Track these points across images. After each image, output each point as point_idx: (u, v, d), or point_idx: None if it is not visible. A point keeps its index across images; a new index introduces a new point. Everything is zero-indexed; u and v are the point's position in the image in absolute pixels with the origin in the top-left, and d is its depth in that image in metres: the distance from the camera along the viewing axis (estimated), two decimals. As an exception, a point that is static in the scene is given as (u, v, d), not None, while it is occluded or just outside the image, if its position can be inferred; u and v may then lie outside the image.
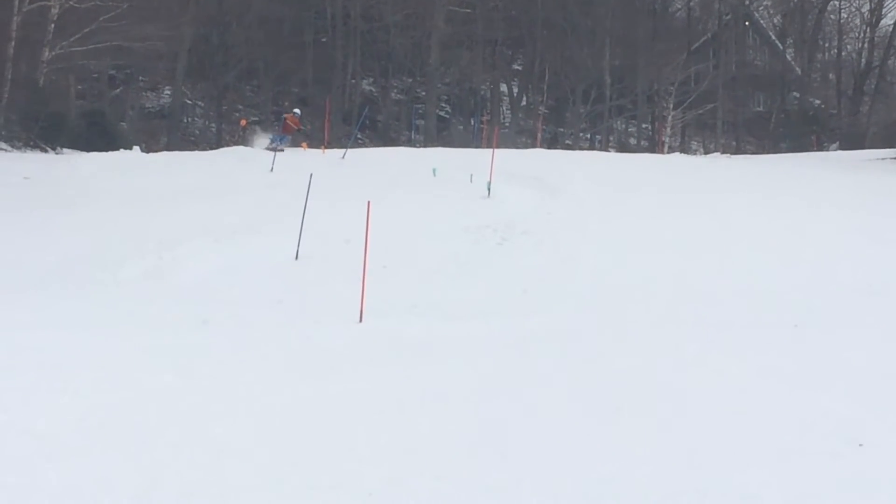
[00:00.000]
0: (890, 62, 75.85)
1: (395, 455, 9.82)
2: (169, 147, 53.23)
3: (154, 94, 67.53)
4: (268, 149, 39.80)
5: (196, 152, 44.32)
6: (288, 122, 42.73)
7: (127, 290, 20.38)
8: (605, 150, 63.70)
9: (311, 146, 43.16)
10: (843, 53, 79.54)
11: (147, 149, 45.54)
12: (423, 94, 70.15)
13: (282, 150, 39.34)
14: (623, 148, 68.21)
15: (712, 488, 8.74)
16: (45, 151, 42.70)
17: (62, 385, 12.32)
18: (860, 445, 9.92)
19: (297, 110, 43.91)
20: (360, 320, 17.51)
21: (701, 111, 66.52)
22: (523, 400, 12.03)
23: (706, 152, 67.27)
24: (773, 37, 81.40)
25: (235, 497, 8.57)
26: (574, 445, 10.11)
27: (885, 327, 16.39)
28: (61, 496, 8.54)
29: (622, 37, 72.07)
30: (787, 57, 79.64)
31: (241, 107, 67.72)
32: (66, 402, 11.60)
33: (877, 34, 76.19)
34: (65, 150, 43.31)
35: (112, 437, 10.32)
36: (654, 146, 67.15)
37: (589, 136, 72.96)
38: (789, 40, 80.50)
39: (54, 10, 45.87)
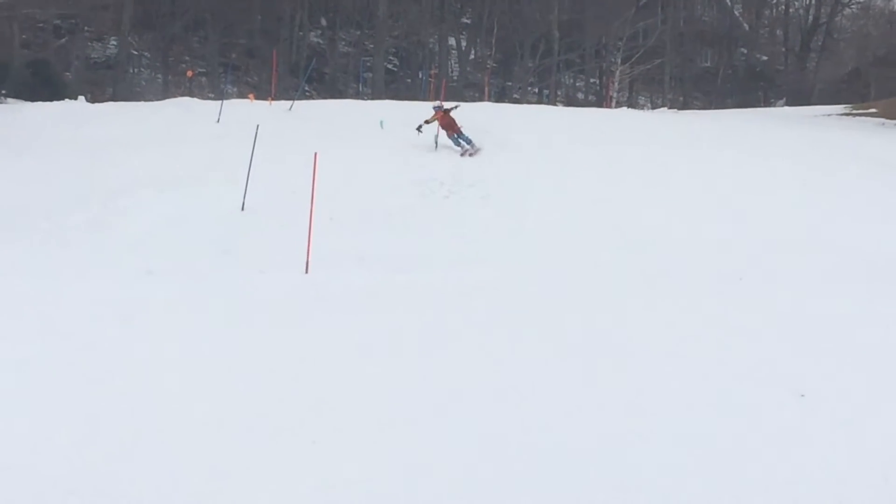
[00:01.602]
0: (837, 19, 76.24)
1: (339, 404, 9.86)
2: (115, 98, 52.70)
3: (100, 44, 66.80)
4: None
5: (142, 103, 43.86)
6: None
7: (72, 239, 20.24)
8: (553, 104, 63.64)
9: (258, 98, 42.88)
10: (791, 10, 79.90)
11: (92, 99, 45.05)
12: (372, 46, 69.85)
13: None
14: (571, 102, 68.22)
15: (653, 433, 8.84)
16: (-11, 100, 42.31)
17: (2, 332, 12.29)
18: (802, 396, 10.04)
19: None
20: (307, 271, 17.51)
21: (649, 66, 66.50)
22: (467, 348, 12.10)
23: (654, 107, 67.52)
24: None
25: (177, 445, 8.59)
26: (515, 392, 10.19)
27: (828, 279, 16.55)
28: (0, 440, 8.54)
29: (571, -9, 72.05)
30: (735, 13, 79.83)
31: (187, 58, 67.16)
32: (7, 350, 11.57)
33: (824, -9, 76.54)
34: (9, 99, 42.88)
35: (53, 385, 10.31)
36: (601, 101, 67.24)
37: (537, 90, 72.94)
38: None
39: (0, -43, 45.33)
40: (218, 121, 34.09)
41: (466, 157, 29.22)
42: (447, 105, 32.32)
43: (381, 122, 32.68)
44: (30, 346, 11.78)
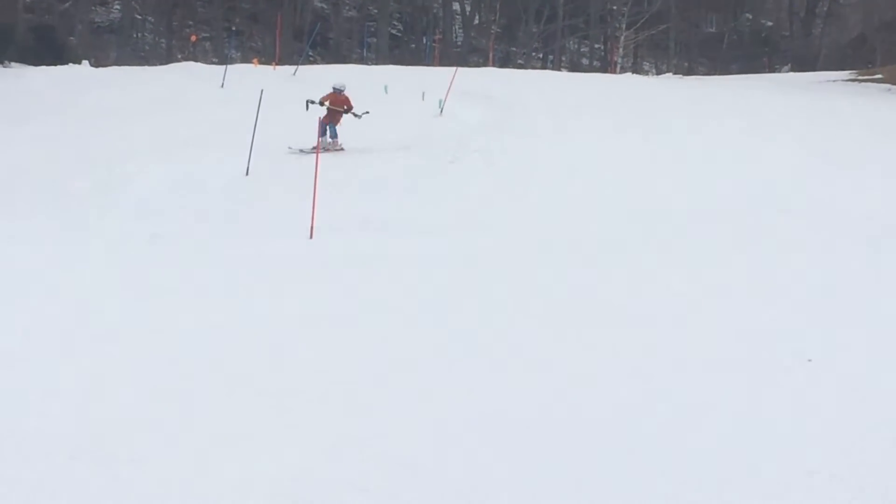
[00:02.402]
0: (843, -16, 75.97)
1: (344, 368, 9.88)
2: (118, 62, 52.62)
3: (104, 8, 66.70)
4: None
5: (146, 68, 43.90)
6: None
7: (76, 204, 20.25)
8: (558, 70, 63.50)
9: (262, 62, 42.85)
10: (797, -25, 79.57)
11: (96, 64, 45.07)
12: (376, 11, 69.67)
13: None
14: (575, 68, 68.12)
15: (660, 399, 8.85)
16: (-7, 65, 42.25)
17: (8, 296, 12.32)
18: (809, 360, 10.05)
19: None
20: (311, 236, 17.50)
21: (653, 32, 66.38)
22: (471, 315, 12.10)
23: (658, 73, 67.32)
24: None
25: (182, 408, 8.60)
26: (520, 360, 10.20)
27: (834, 245, 16.53)
28: (5, 401, 8.56)
29: (576, -45, 71.75)
30: (741, -22, 79.56)
31: (191, 22, 67.06)
32: (12, 313, 11.60)
33: (830, -45, 76.21)
34: (13, 63, 42.81)
35: (59, 350, 10.34)
36: (606, 67, 67.08)
37: (541, 55, 72.79)
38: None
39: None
40: (222, 86, 34.10)
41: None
42: (344, 95, 26.78)
43: (385, 88, 32.65)
44: (35, 312, 11.81)
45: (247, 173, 22.78)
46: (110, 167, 23.29)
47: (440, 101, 30.21)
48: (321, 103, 25.98)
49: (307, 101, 25.40)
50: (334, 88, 26.95)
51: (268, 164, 22.84)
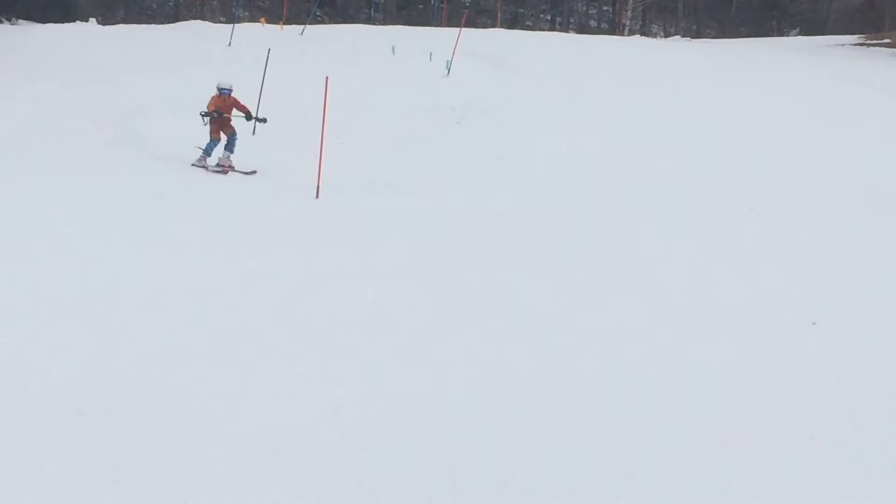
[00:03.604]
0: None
1: (348, 326, 9.91)
2: (126, 20, 52.44)
3: (111, -35, 66.44)
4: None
5: (153, 26, 43.72)
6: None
7: (83, 161, 20.25)
8: (565, 31, 63.29)
9: (269, 21, 42.74)
10: (807, -63, 79.08)
11: (104, 21, 44.90)
12: (384, -29, 69.41)
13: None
14: (583, 30, 67.80)
15: (664, 360, 8.88)
16: (1, 22, 42.10)
17: (14, 253, 12.35)
18: (814, 324, 10.08)
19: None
20: (317, 196, 17.52)
21: (662, -6, 66.10)
22: (475, 273, 12.12)
23: (666, 36, 67.05)
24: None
25: (187, 366, 8.64)
26: (523, 319, 10.23)
27: (840, 209, 16.55)
28: (10, 360, 8.61)
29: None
30: (751, -60, 79.13)
31: (199, -19, 66.79)
32: (19, 271, 11.63)
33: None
34: (20, 21, 42.68)
35: (65, 306, 10.38)
36: (614, 29, 66.82)
37: (549, 17, 72.48)
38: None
39: None
40: (229, 44, 34.00)
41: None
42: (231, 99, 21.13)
43: (393, 48, 32.58)
44: (42, 268, 11.83)
45: (253, 132, 22.76)
46: (117, 125, 23.29)
47: (447, 62, 30.16)
48: (208, 113, 20.71)
49: (203, 115, 20.77)
50: (219, 89, 21.07)
51: (274, 122, 22.80)
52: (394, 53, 32.23)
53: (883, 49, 44.04)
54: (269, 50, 24.39)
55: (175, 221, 15.40)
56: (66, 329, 9.57)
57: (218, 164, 20.58)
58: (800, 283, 11.81)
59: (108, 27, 40.65)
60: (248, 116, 21.16)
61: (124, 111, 24.36)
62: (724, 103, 27.10)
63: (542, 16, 70.91)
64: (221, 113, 20.82)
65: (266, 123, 21.84)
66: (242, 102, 21.19)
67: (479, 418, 7.52)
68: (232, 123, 20.99)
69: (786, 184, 19.11)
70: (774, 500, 6.28)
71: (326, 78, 18.98)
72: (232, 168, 20.59)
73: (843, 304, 10.96)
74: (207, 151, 20.73)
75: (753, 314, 10.49)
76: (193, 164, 20.58)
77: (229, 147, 20.76)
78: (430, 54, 31.27)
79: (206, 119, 20.84)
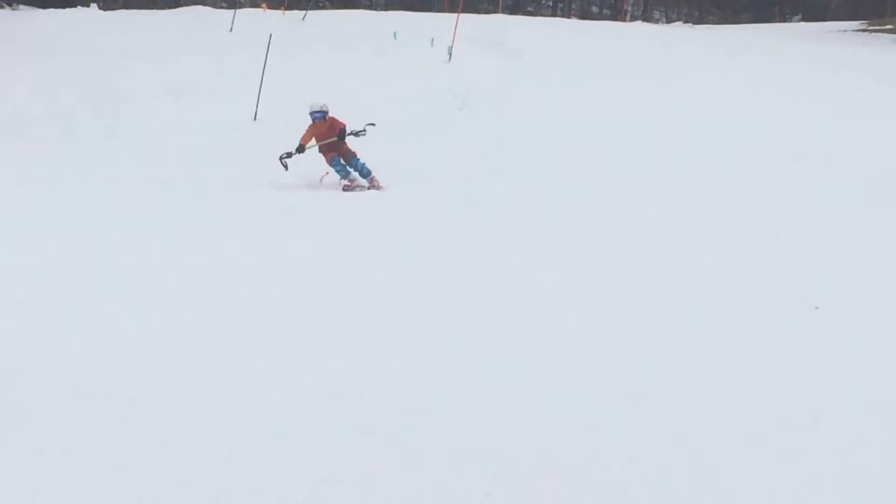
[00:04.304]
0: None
1: (352, 311, 9.90)
2: (127, 5, 52.43)
3: (112, -49, 66.37)
4: None
5: (154, 11, 43.75)
6: None
7: (84, 147, 20.28)
8: (567, 17, 63.27)
9: (271, 7, 42.71)
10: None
11: (104, 6, 44.90)
12: (385, -44, 69.35)
13: None
14: (585, 16, 67.85)
15: (666, 344, 8.87)
16: (2, 7, 42.11)
17: (14, 239, 12.36)
18: (817, 308, 10.06)
19: None
20: (320, 181, 17.53)
21: (664, -20, 66.04)
22: (477, 259, 12.09)
23: (668, 22, 67.03)
24: None
25: (191, 350, 8.61)
26: (527, 304, 10.22)
27: (838, 193, 16.52)
28: (11, 341, 8.61)
29: None
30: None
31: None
32: (19, 256, 11.64)
33: None
34: (21, 5, 42.71)
35: (66, 291, 10.37)
36: (616, 14, 66.83)
37: (551, 3, 72.47)
38: None
39: None
40: (231, 30, 34.02)
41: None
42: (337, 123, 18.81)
43: (395, 34, 32.56)
44: (42, 254, 11.84)
45: (255, 118, 22.79)
46: (118, 110, 23.32)
47: (449, 48, 30.14)
48: (301, 150, 18.43)
49: (283, 159, 18.36)
50: (312, 115, 18.73)
51: (276, 109, 22.81)
52: (396, 39, 32.22)
53: (884, 35, 44.04)
54: (271, 35, 24.38)
55: (177, 206, 15.40)
56: (67, 312, 9.56)
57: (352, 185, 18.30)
58: (802, 268, 11.77)
59: (108, 12, 40.64)
60: (354, 133, 18.79)
61: (125, 97, 24.43)
62: (724, 87, 27.09)
63: (543, 1, 70.89)
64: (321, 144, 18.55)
65: (374, 126, 19.41)
66: (341, 121, 18.76)
67: (482, 402, 7.51)
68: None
69: (787, 166, 19.06)
70: (779, 483, 6.27)
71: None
72: (378, 186, 18.27)
73: (847, 289, 10.92)
74: (363, 170, 18.46)
75: (755, 298, 10.46)
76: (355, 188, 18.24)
77: (363, 170, 18.46)
78: (432, 40, 31.25)
79: (291, 157, 18.32)
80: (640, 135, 22.22)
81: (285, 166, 18.18)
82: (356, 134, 18.76)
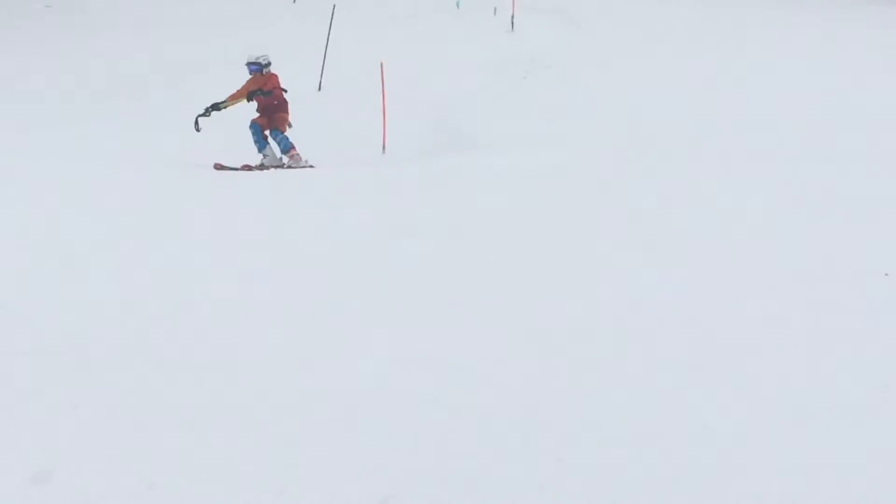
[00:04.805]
0: None
1: (412, 280, 9.92)
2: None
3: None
4: None
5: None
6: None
7: (151, 117, 20.43)
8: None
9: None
10: None
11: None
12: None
13: None
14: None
15: (728, 310, 8.83)
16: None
17: (85, 208, 12.47)
18: (886, 275, 9.96)
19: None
20: (383, 151, 17.55)
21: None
22: (550, 222, 12.08)
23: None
24: None
25: (258, 321, 8.68)
26: (596, 268, 10.21)
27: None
28: (83, 310, 8.70)
29: None
30: None
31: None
32: (89, 224, 11.73)
33: None
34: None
35: (131, 260, 10.47)
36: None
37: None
38: None
39: None
40: (294, 1, 34.03)
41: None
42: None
43: (458, 3, 32.48)
44: (107, 219, 11.91)
45: (319, 88, 22.82)
46: (182, 81, 23.44)
47: (511, 17, 30.02)
48: (217, 107, 17.09)
49: (199, 117, 17.03)
50: (248, 65, 17.23)
51: (340, 79, 22.86)
52: (458, 8, 32.13)
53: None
54: (335, 6, 24.41)
55: (241, 176, 15.48)
56: (134, 282, 9.63)
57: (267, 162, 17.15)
58: (872, 233, 11.64)
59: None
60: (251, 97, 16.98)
61: (189, 68, 24.52)
62: (790, 55, 26.74)
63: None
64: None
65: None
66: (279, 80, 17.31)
67: (550, 370, 7.51)
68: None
69: (844, 131, 18.72)
70: (849, 446, 6.25)
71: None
72: (301, 164, 17.08)
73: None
74: (285, 145, 17.16)
75: (823, 264, 10.37)
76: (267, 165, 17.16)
77: (283, 144, 17.12)
78: (495, 9, 31.15)
79: (206, 117, 16.95)
80: (706, 105, 21.93)
81: (197, 126, 16.83)
82: (215, 109, 16.99)
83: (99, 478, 5.62)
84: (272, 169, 16.78)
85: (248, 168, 16.68)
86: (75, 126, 19.54)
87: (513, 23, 29.84)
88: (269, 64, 17.07)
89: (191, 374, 7.27)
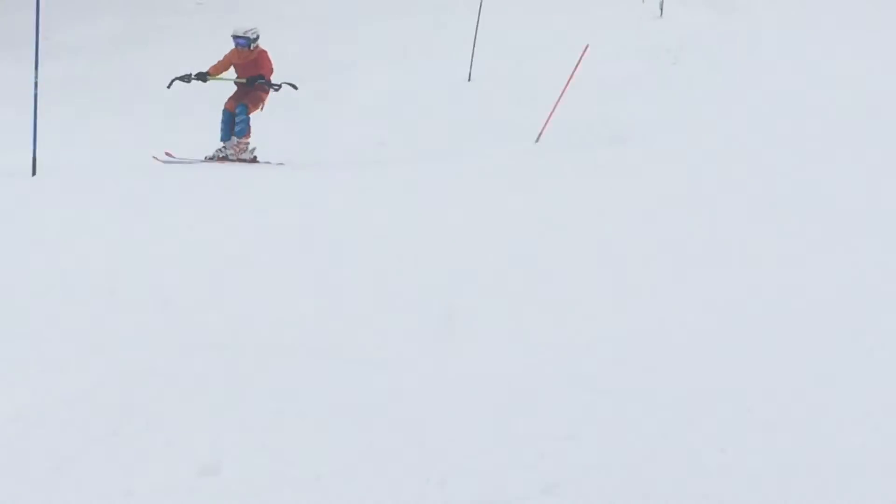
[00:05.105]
0: None
1: (577, 266, 9.93)
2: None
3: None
4: None
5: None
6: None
7: (302, 110, 20.66)
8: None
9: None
10: None
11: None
12: None
13: None
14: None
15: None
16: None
17: (244, 203, 12.68)
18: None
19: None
20: (537, 140, 17.53)
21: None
22: (706, 212, 12.02)
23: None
24: None
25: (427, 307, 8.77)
26: (754, 257, 10.14)
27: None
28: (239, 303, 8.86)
29: None
30: None
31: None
32: (250, 220, 11.93)
33: None
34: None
35: (297, 251, 10.63)
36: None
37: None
38: None
39: None
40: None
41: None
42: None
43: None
44: (268, 218, 12.09)
45: (469, 78, 22.88)
46: (333, 73, 23.66)
47: (660, 3, 29.72)
48: (203, 77, 16.01)
49: (175, 80, 16.02)
50: (234, 39, 15.92)
51: (490, 68, 22.86)
52: (606, -6, 31.86)
53: None
54: (483, -1, 24.40)
55: (395, 167, 15.60)
56: (293, 279, 9.77)
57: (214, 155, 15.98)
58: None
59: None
60: (274, 86, 16.05)
61: (340, 60, 24.75)
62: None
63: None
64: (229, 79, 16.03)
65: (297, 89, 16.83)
66: (270, 60, 16.23)
67: (720, 356, 7.50)
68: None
69: None
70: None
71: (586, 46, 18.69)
72: (242, 155, 16.00)
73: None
74: (241, 128, 16.09)
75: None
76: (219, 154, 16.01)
77: (241, 128, 15.97)
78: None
79: (190, 82, 15.98)
80: (868, 89, 21.36)
81: (171, 84, 15.82)
82: (275, 87, 16.02)
83: (265, 469, 5.72)
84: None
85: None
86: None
87: (661, 8, 29.51)
88: (257, 38, 15.82)
89: (353, 369, 7.37)
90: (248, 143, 15.95)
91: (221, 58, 16.02)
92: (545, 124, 17.62)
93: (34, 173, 14.11)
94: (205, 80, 15.67)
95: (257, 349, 7.73)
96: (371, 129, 18.95)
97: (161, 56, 25.01)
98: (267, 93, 16.03)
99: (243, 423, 6.35)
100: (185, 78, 15.65)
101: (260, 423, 6.34)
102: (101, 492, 5.51)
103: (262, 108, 16.11)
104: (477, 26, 23.35)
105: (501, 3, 27.89)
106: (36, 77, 14.30)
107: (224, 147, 15.80)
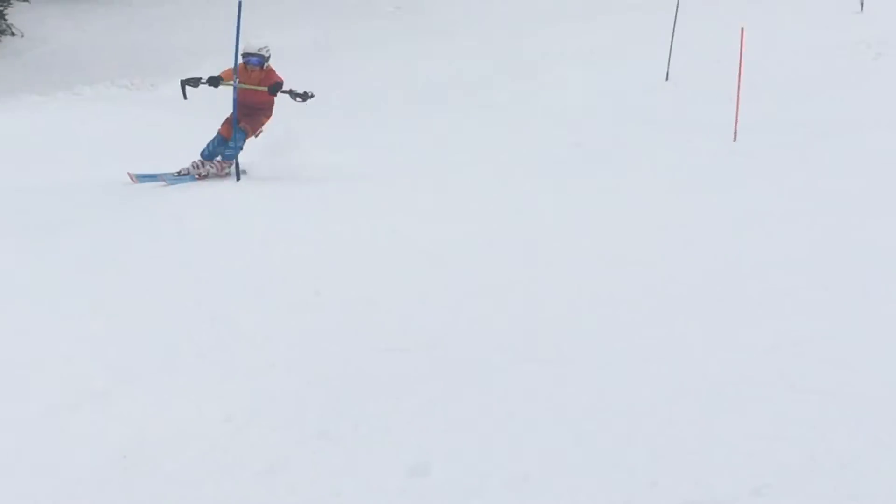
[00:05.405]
0: None
1: (790, 264, 9.78)
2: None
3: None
4: None
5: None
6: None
7: (498, 113, 20.74)
8: None
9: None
10: None
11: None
12: None
13: None
14: None
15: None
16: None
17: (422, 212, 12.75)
18: None
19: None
20: (734, 139, 17.30)
21: None
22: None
23: None
24: None
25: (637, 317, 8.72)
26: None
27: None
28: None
29: None
30: None
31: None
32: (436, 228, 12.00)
33: None
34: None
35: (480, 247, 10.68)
36: None
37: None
38: None
39: None
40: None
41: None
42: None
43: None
44: (468, 221, 12.14)
45: (666, 78, 22.70)
46: (529, 75, 23.74)
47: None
48: (215, 82, 14.72)
49: (186, 85, 14.70)
50: (245, 56, 14.70)
51: (688, 67, 22.64)
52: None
53: None
54: (680, -2, 24.19)
55: (591, 167, 15.58)
56: (494, 281, 9.80)
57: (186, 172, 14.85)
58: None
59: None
60: (295, 95, 14.74)
61: (534, 61, 24.97)
62: None
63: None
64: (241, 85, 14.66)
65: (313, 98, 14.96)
66: (277, 75, 14.91)
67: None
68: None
69: None
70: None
71: (741, 28, 18.49)
72: (220, 171, 15.01)
73: None
74: (207, 154, 15.03)
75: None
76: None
77: (233, 152, 14.88)
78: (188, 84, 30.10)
79: (195, 87, 14.72)
80: None
81: (184, 91, 14.65)
82: (301, 97, 14.72)
83: (475, 470, 5.76)
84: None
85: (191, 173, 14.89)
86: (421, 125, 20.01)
87: (862, 3, 28.83)
88: (269, 57, 14.85)
89: (557, 370, 7.36)
90: (228, 166, 15.02)
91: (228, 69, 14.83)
92: (735, 122, 17.35)
93: (237, 178, 14.43)
94: (216, 86, 14.64)
95: (463, 349, 7.77)
96: (566, 130, 18.89)
97: (362, 57, 25.52)
98: (269, 117, 15.13)
99: (452, 423, 6.41)
100: (194, 82, 14.60)
101: (468, 423, 6.38)
102: (312, 493, 5.60)
103: (257, 135, 15.11)
104: (674, 23, 23.14)
105: (696, 1, 27.62)
106: (235, 82, 14.41)
107: (202, 163, 14.82)
